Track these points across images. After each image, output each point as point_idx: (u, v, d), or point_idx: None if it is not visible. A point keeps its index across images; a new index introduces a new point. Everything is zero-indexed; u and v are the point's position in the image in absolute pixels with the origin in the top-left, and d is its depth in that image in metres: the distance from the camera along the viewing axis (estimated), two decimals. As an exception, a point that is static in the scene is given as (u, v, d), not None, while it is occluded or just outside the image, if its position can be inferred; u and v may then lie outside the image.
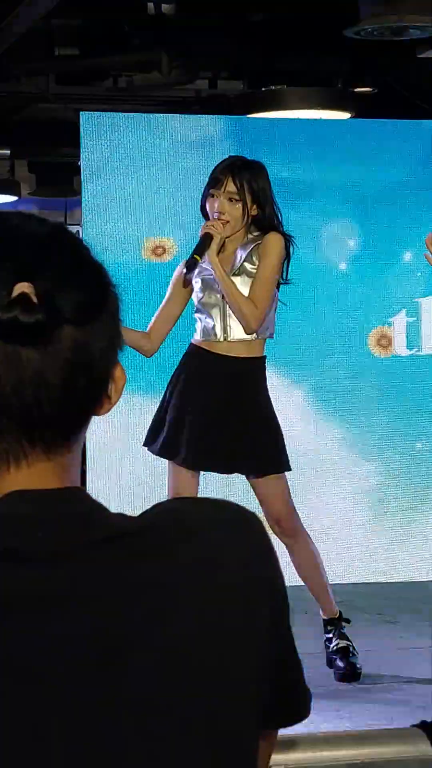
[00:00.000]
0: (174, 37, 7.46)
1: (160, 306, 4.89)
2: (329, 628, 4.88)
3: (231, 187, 4.71)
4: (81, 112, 6.60)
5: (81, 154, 6.45)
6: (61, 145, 9.28)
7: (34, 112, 9.16)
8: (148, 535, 1.25)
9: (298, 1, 7.02)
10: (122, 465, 6.34)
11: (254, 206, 4.74)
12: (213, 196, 4.74)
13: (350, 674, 4.76)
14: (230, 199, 4.71)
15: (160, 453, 4.80)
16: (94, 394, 1.29)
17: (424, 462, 6.69)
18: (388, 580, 6.50)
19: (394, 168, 6.73)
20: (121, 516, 1.27)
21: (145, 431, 4.91)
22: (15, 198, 10.97)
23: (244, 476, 4.87)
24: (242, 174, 4.73)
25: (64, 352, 1.24)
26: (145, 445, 4.89)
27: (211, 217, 4.72)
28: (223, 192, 4.72)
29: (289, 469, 4.82)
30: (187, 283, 4.82)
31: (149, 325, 4.88)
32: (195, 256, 4.69)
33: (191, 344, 4.86)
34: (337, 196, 6.62)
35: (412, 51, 7.70)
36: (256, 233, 4.78)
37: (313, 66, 7.99)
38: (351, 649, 4.84)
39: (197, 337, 4.83)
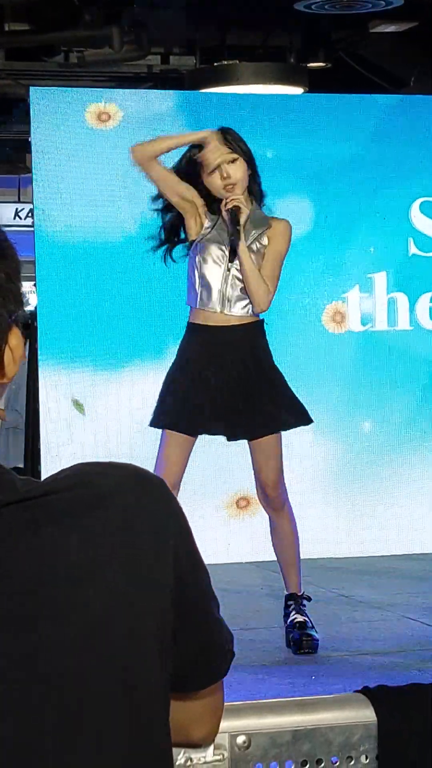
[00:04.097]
0: (125, 12, 7.42)
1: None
2: (289, 603, 4.88)
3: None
4: (31, 88, 6.52)
5: (31, 131, 6.37)
6: (12, 122, 9.21)
7: (-17, 88, 9.10)
8: (55, 499, 1.22)
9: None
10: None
11: (248, 165, 4.71)
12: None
13: (307, 644, 4.76)
14: (228, 162, 4.66)
15: (179, 429, 4.74)
16: None
17: (374, 439, 6.70)
18: (342, 555, 6.51)
19: (347, 143, 6.71)
20: (28, 480, 1.25)
21: None
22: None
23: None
24: (229, 134, 4.72)
25: None
26: (155, 425, 4.83)
27: (218, 192, 4.66)
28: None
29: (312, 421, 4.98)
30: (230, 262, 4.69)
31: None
32: (233, 239, 4.59)
33: (189, 323, 4.82)
34: (289, 172, 6.59)
35: (365, 26, 7.70)
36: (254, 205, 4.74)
37: (266, 41, 7.97)
38: (308, 623, 4.85)
39: (192, 304, 4.79)
